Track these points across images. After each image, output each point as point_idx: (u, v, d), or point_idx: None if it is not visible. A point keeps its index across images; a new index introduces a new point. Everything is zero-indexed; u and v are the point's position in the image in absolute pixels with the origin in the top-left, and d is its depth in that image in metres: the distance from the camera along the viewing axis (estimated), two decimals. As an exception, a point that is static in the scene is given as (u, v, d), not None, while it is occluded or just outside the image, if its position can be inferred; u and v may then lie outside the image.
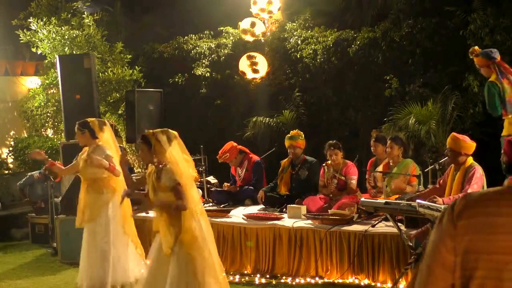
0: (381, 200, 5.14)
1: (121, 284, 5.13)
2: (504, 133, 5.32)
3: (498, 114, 5.56)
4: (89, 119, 5.31)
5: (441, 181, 5.16)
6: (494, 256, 1.59)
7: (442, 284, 1.66)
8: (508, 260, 1.57)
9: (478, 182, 4.77)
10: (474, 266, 1.60)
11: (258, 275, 5.77)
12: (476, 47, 5.81)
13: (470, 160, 4.91)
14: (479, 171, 4.80)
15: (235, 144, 7.31)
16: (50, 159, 5.62)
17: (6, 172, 10.01)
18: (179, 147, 4.11)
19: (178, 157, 4.05)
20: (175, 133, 4.16)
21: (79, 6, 9.79)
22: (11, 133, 10.71)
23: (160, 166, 3.99)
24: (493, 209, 1.64)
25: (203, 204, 6.84)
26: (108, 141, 5.30)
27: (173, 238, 3.93)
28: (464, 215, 1.66)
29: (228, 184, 7.29)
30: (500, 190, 1.72)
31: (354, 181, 6.33)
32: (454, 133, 5.06)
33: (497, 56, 5.59)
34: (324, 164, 6.52)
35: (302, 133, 6.87)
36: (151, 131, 4.09)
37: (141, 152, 4.14)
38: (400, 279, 5.02)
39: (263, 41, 9.58)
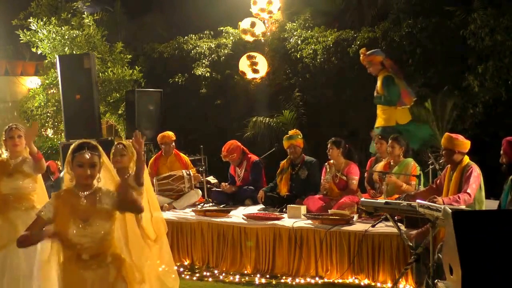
0: (381, 200, 5.14)
1: None
2: (379, 124, 6.54)
3: (395, 104, 6.58)
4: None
5: (438, 181, 5.17)
6: None
7: None
8: None
9: (476, 181, 4.77)
10: None
11: (258, 275, 5.77)
12: (363, 49, 6.80)
13: (467, 159, 4.90)
14: (476, 170, 4.80)
15: (239, 143, 7.32)
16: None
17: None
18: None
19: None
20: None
21: (79, 6, 9.78)
22: (11, 133, 10.70)
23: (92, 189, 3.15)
24: None
25: (203, 204, 6.90)
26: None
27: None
28: None
29: (226, 184, 7.30)
30: None
31: (355, 182, 6.33)
32: (450, 134, 5.06)
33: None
34: (326, 164, 6.52)
35: (299, 132, 6.88)
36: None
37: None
38: (400, 279, 5.03)
39: (263, 41, 9.58)
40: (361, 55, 6.77)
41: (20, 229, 4.02)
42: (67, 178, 3.08)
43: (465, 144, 4.89)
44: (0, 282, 4.22)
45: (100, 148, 3.10)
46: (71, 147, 3.06)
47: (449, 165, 5.02)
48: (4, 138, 4.48)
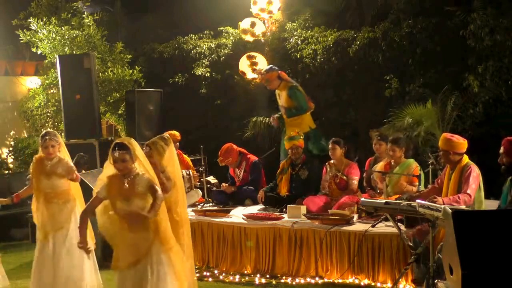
0: (381, 200, 5.14)
1: None
2: (290, 134, 6.86)
3: (306, 110, 7.28)
4: (55, 132, 5.28)
5: (439, 180, 5.16)
6: None
7: None
8: None
9: (475, 181, 4.75)
10: None
11: (258, 275, 5.77)
12: (259, 68, 7.61)
13: (466, 159, 4.88)
14: (475, 170, 4.78)
15: (234, 146, 7.31)
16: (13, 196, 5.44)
17: (6, 172, 10.01)
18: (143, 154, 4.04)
19: (146, 164, 3.96)
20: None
21: (79, 6, 9.78)
22: (11, 133, 10.71)
23: (133, 174, 3.89)
24: None
25: (203, 204, 6.90)
26: (67, 152, 5.28)
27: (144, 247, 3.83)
28: None
29: (226, 185, 7.30)
30: None
31: (355, 182, 6.33)
32: (444, 134, 5.05)
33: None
34: (327, 163, 6.52)
35: (301, 132, 6.88)
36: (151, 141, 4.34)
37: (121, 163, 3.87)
38: (400, 279, 5.03)
39: (263, 41, 9.58)
40: (258, 76, 7.50)
41: (58, 220, 5.00)
42: (110, 168, 3.86)
43: (461, 144, 4.85)
44: (48, 265, 4.93)
45: (132, 145, 3.82)
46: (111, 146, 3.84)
47: (448, 165, 5.02)
48: (40, 144, 5.15)
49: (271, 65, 7.70)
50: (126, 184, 3.80)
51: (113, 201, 3.83)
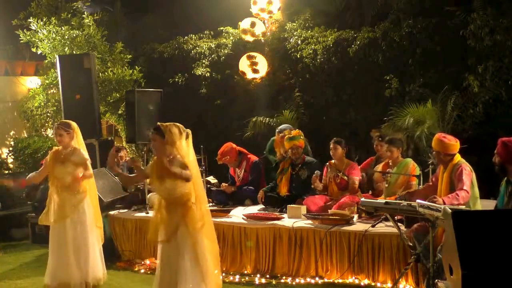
0: (381, 200, 5.14)
1: (93, 280, 5.25)
2: None
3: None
4: (70, 121, 5.41)
5: (433, 178, 5.18)
6: None
7: None
8: None
9: (468, 177, 4.78)
10: None
11: (258, 275, 5.77)
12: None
13: (457, 158, 4.92)
14: (466, 168, 4.82)
15: (234, 145, 7.30)
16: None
17: (6, 172, 10.01)
18: (187, 142, 4.36)
19: (187, 150, 4.31)
20: (188, 130, 4.44)
21: (79, 6, 9.79)
22: (11, 133, 10.72)
23: (172, 157, 4.22)
24: None
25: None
26: (82, 143, 5.44)
27: (173, 226, 4.16)
28: None
29: (226, 185, 7.30)
30: None
31: (356, 182, 6.33)
32: (437, 135, 5.08)
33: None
34: (327, 163, 6.52)
35: (301, 132, 6.88)
36: (164, 123, 4.35)
37: (153, 143, 4.31)
38: (400, 279, 5.03)
39: (263, 41, 9.58)
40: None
41: (67, 209, 5.18)
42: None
43: (453, 146, 4.89)
44: (65, 249, 5.15)
45: (164, 129, 4.23)
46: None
47: (441, 165, 5.05)
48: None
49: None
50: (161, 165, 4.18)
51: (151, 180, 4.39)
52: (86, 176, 5.32)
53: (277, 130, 7.34)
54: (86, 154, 5.34)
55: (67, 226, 5.18)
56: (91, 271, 5.22)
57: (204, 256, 4.18)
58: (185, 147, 4.28)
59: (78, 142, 5.35)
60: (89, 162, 5.33)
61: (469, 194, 4.71)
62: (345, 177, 6.34)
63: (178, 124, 4.38)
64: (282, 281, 5.61)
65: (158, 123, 4.33)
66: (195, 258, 4.13)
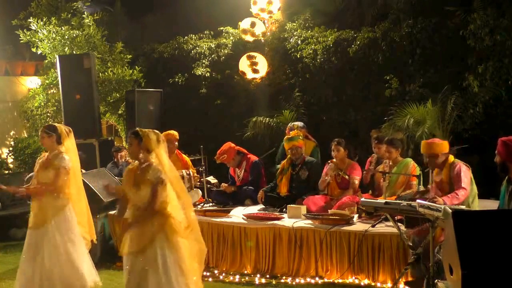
0: (381, 200, 5.14)
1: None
2: None
3: None
4: (57, 125, 5.17)
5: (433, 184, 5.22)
6: None
7: None
8: None
9: (467, 175, 4.86)
10: None
11: (258, 275, 5.77)
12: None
13: (452, 158, 5.01)
14: (463, 167, 4.90)
15: (233, 145, 7.30)
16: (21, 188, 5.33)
17: (6, 172, 10.01)
18: (164, 150, 4.28)
19: (164, 158, 4.23)
20: (163, 136, 4.36)
21: (79, 6, 9.79)
22: (11, 133, 10.71)
23: (147, 163, 4.17)
24: None
25: (203, 204, 6.89)
26: (70, 149, 5.11)
27: (147, 237, 4.06)
28: None
29: (226, 185, 7.29)
30: None
31: (357, 182, 6.33)
32: (423, 142, 5.18)
33: None
34: (329, 162, 6.52)
35: (300, 132, 6.87)
36: (143, 129, 4.30)
37: (129, 147, 4.28)
38: (400, 279, 5.03)
39: (263, 41, 9.59)
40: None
41: (49, 215, 4.84)
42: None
43: (444, 144, 5.02)
44: (41, 255, 4.83)
45: (142, 134, 4.16)
46: None
47: (435, 169, 5.08)
48: None
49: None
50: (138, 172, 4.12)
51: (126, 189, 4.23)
52: (49, 186, 4.89)
53: (289, 126, 7.33)
54: (66, 161, 4.93)
55: (46, 233, 4.84)
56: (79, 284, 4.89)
57: (184, 262, 4.07)
58: (162, 156, 4.20)
59: (66, 146, 5.03)
60: (63, 170, 4.91)
61: (467, 191, 4.76)
62: (346, 176, 6.33)
63: (157, 132, 4.32)
64: (282, 281, 5.61)
65: (137, 128, 4.28)
66: (172, 269, 4.02)
